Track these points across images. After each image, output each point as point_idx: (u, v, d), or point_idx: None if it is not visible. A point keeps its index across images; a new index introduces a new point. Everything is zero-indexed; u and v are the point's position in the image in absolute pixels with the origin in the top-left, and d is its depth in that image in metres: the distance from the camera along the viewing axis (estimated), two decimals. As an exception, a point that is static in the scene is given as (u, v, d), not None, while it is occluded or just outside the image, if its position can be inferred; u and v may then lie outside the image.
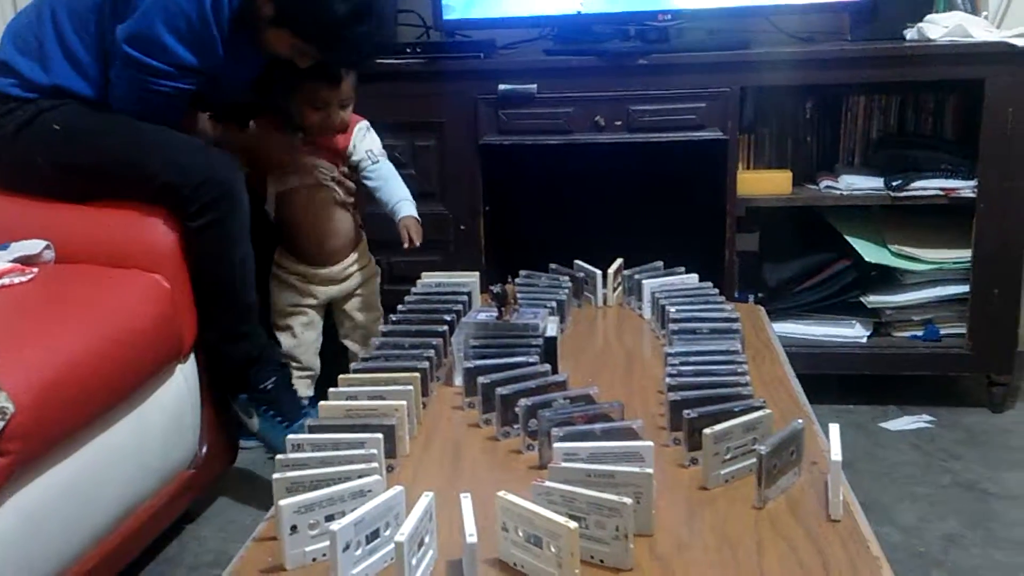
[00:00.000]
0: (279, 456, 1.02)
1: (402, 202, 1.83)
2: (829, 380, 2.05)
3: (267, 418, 1.66)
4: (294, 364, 1.85)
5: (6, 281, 1.45)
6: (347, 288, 1.88)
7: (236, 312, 1.62)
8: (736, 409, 1.09)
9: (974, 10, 2.06)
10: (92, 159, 1.59)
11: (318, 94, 1.75)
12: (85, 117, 1.61)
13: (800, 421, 1.06)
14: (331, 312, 1.92)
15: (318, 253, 1.84)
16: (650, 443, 1.01)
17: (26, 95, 1.61)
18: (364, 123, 1.86)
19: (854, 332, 2.09)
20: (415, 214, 1.83)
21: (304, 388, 1.86)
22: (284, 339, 1.85)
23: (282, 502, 0.91)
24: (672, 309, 1.47)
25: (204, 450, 1.65)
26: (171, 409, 1.55)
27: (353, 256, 1.88)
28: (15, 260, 1.51)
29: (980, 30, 1.94)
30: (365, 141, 1.85)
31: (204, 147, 1.62)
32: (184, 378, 1.59)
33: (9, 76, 1.62)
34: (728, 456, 1.04)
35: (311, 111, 1.77)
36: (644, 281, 1.62)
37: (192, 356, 1.62)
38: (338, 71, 1.75)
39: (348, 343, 1.91)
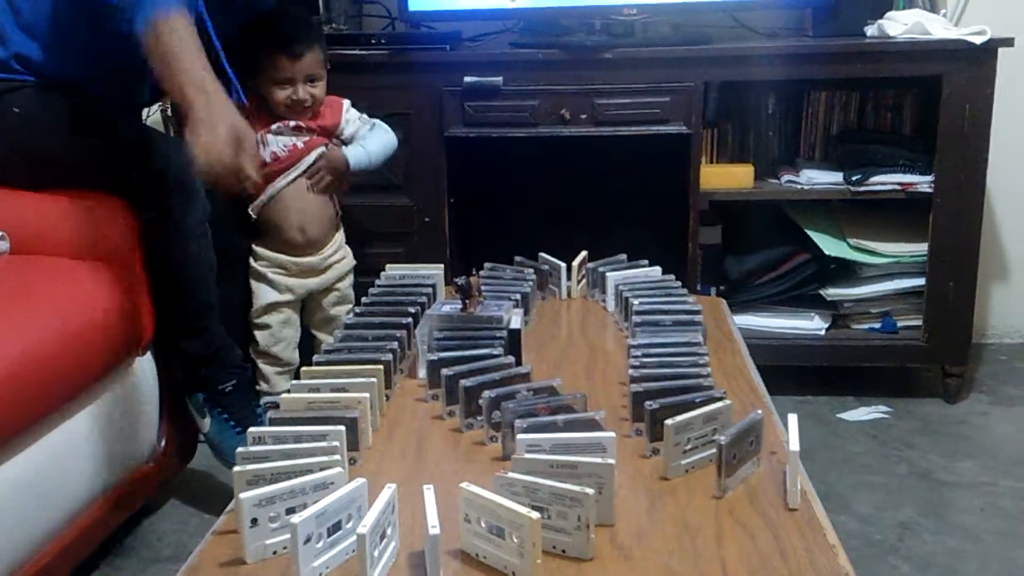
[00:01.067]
0: (239, 449, 1.01)
1: (357, 145, 1.82)
2: (788, 371, 2.09)
3: (220, 421, 1.64)
4: (272, 361, 1.84)
5: (-42, 272, 1.42)
6: (326, 280, 1.87)
7: (190, 307, 1.59)
8: (697, 400, 1.10)
9: (933, 8, 2.10)
10: (49, 146, 1.56)
11: (279, 69, 1.73)
12: (45, 102, 1.57)
13: (759, 412, 1.07)
14: (304, 302, 1.91)
15: (300, 240, 1.81)
16: (612, 434, 1.02)
17: None
18: (348, 102, 1.86)
19: (813, 324, 2.12)
20: (350, 156, 1.81)
21: (284, 382, 1.85)
22: (262, 337, 1.83)
23: (242, 495, 0.90)
24: (635, 301, 1.48)
25: (163, 444, 1.63)
26: (130, 403, 1.53)
27: (333, 246, 1.87)
28: (-32, 250, 1.48)
29: (938, 27, 1.97)
30: (351, 112, 1.85)
31: (163, 136, 1.59)
32: (143, 372, 1.57)
33: None
34: (689, 446, 1.05)
35: (276, 88, 1.75)
36: (608, 274, 1.63)
37: (151, 350, 1.60)
38: (297, 44, 1.72)
39: (318, 333, 1.90)
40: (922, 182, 2.02)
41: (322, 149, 1.81)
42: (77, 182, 1.56)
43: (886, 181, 2.03)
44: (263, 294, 1.83)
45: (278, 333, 1.84)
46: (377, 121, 1.87)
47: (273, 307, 1.83)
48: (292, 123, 1.79)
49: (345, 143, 1.84)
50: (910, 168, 2.03)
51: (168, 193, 1.52)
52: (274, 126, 1.79)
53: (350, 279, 1.91)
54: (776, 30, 2.19)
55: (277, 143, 1.79)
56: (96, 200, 1.55)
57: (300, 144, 1.80)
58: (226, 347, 1.65)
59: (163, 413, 1.63)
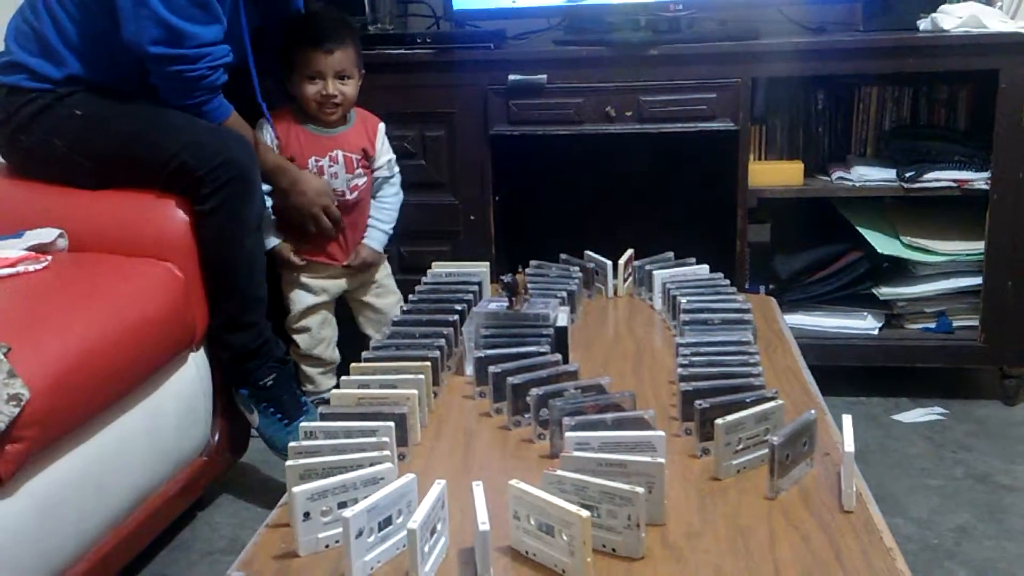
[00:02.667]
0: (292, 443, 1.02)
1: (374, 231, 1.86)
2: (841, 372, 2.05)
3: (267, 415, 1.66)
4: (315, 363, 1.87)
5: (20, 269, 1.46)
6: (358, 279, 1.88)
7: (241, 301, 1.62)
8: (748, 400, 1.08)
9: (988, 0, 2.04)
10: (111, 143, 1.60)
11: (311, 64, 1.75)
12: (104, 102, 1.62)
13: (813, 412, 1.05)
14: (346, 302, 1.92)
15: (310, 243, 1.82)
16: (662, 433, 1.01)
17: (41, 86, 1.62)
18: (382, 125, 1.87)
19: (866, 324, 2.08)
20: (376, 246, 1.86)
21: (328, 381, 1.87)
22: (303, 340, 1.85)
23: (295, 489, 0.91)
24: (683, 300, 1.46)
25: (216, 438, 1.66)
26: (183, 397, 1.56)
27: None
28: (29, 248, 1.52)
29: (994, 21, 1.92)
30: (385, 144, 1.87)
31: (222, 130, 1.62)
32: (196, 366, 1.60)
33: (22, 72, 1.63)
34: (740, 447, 1.04)
35: (308, 84, 1.76)
36: (655, 272, 1.61)
37: (204, 345, 1.63)
38: (328, 39, 1.74)
39: (369, 331, 1.92)
40: (978, 179, 1.96)
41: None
42: (138, 179, 1.59)
43: (941, 178, 1.98)
44: (299, 299, 1.84)
45: (318, 334, 1.86)
46: (396, 171, 1.89)
47: (311, 310, 1.85)
48: (340, 155, 1.79)
49: (373, 171, 1.86)
50: (965, 165, 1.98)
51: (227, 184, 1.54)
52: (325, 162, 1.79)
53: (387, 269, 1.92)
54: (825, 24, 2.15)
55: (336, 183, 1.80)
56: (152, 197, 1.58)
57: (361, 183, 1.83)
58: (271, 341, 1.67)
59: (216, 407, 1.66)
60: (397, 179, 1.90)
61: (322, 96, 1.76)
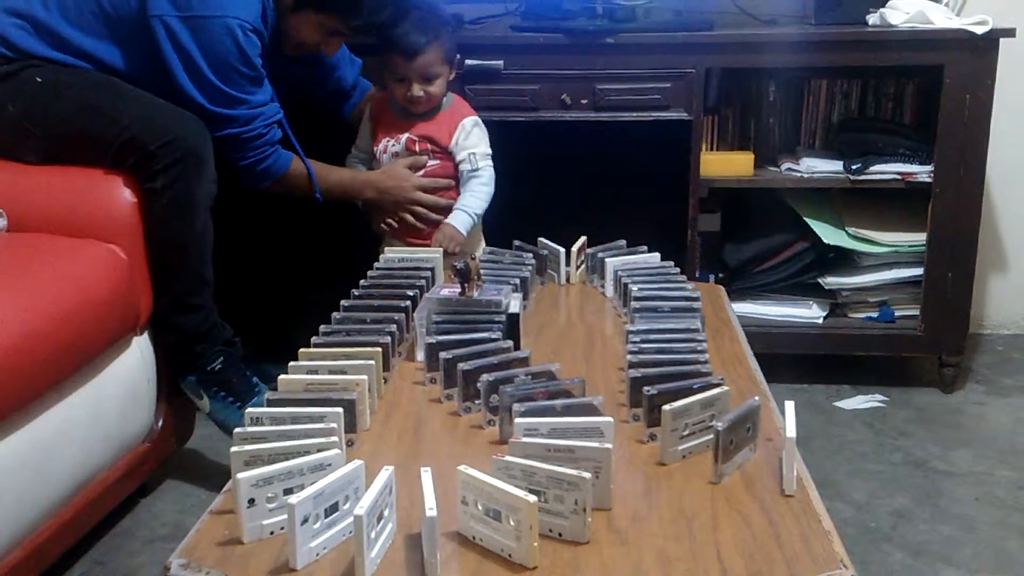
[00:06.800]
0: (237, 429, 1.01)
1: (459, 212, 1.85)
2: (786, 359, 2.09)
3: (218, 399, 1.64)
4: None
5: (-45, 249, 1.42)
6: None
7: (190, 282, 1.59)
8: (695, 386, 1.10)
9: (935, -3, 2.08)
10: (64, 111, 1.57)
11: (396, 68, 1.78)
12: (67, 72, 1.61)
13: (757, 398, 1.07)
14: None
15: (415, 232, 1.87)
16: (610, 419, 1.02)
17: (12, 55, 1.60)
18: (470, 120, 1.85)
19: (811, 313, 2.12)
20: (460, 227, 1.83)
21: None
22: None
23: (240, 475, 0.90)
24: (634, 287, 1.48)
25: (160, 423, 1.63)
26: (127, 382, 1.53)
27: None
28: (-36, 228, 1.48)
29: (940, 17, 1.97)
30: (469, 139, 1.84)
31: (177, 109, 1.59)
32: (140, 351, 1.57)
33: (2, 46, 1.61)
34: (686, 432, 1.05)
35: (396, 84, 1.80)
36: (607, 259, 1.62)
37: (148, 329, 1.60)
38: (410, 44, 1.75)
39: None
40: (922, 172, 2.01)
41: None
42: (87, 153, 1.55)
43: (886, 170, 2.03)
44: None
45: None
46: (481, 165, 1.86)
47: None
48: (404, 137, 1.83)
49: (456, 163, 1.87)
50: (910, 158, 2.03)
51: (179, 161, 1.52)
52: (388, 142, 1.84)
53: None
54: (777, 17, 2.18)
55: (385, 158, 1.85)
56: (97, 176, 1.54)
57: (434, 163, 1.85)
58: (219, 325, 1.65)
59: (160, 393, 1.63)
60: (483, 171, 1.86)
61: (407, 98, 1.79)
